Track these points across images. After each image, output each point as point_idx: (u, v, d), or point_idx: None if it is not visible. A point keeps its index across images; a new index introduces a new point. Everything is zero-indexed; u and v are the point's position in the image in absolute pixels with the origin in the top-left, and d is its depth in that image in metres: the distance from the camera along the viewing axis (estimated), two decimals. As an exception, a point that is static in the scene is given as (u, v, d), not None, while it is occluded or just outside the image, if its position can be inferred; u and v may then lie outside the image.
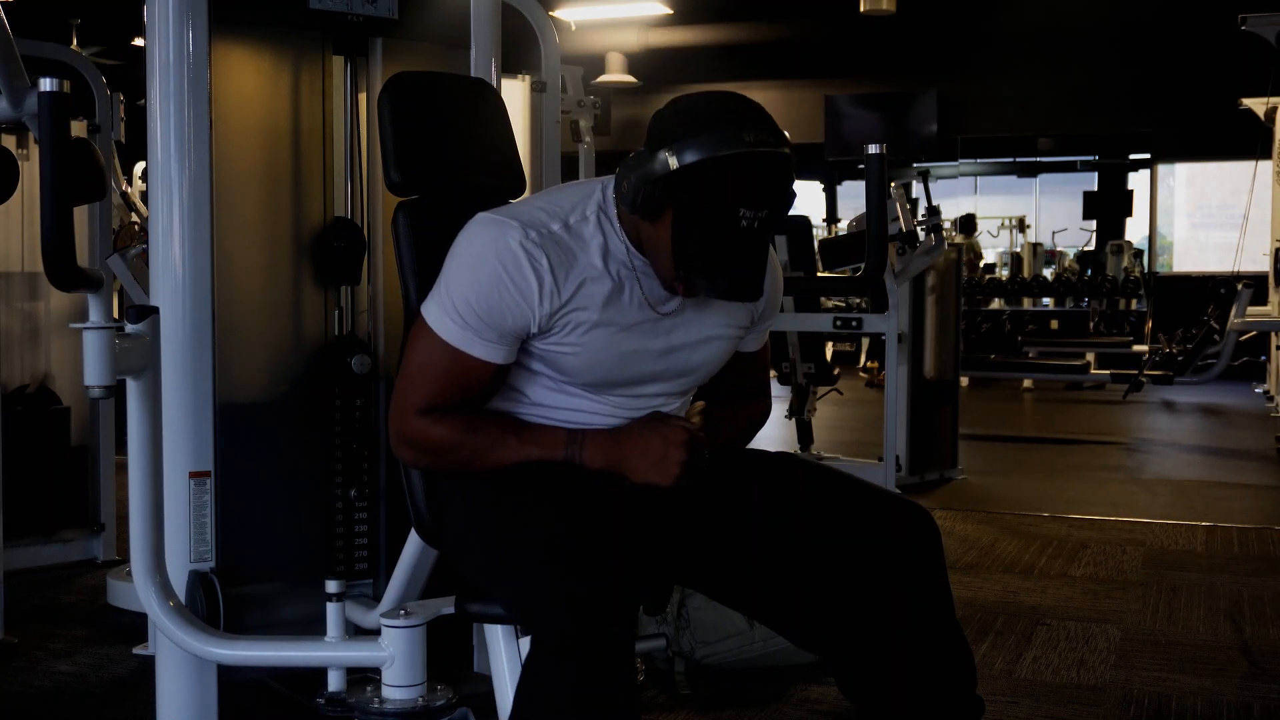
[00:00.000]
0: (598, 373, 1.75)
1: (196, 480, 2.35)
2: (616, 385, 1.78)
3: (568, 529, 1.59)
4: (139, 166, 7.62)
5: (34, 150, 3.98)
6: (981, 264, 12.12)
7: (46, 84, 1.69)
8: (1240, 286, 7.56)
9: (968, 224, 12.10)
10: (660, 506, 1.78)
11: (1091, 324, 11.06)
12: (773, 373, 6.51)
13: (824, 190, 14.69)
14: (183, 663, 2.28)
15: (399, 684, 2.02)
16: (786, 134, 1.65)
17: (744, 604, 1.92)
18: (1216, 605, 3.65)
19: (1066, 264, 12.61)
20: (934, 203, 6.04)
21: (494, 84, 2.58)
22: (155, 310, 1.97)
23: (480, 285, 1.68)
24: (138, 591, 2.00)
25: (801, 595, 1.77)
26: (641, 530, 1.73)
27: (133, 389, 1.95)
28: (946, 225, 11.64)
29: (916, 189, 11.82)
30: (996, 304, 11.33)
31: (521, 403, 1.81)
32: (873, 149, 4.21)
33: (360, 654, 2.09)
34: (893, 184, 5.02)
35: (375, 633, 2.09)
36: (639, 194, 1.61)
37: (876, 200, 4.27)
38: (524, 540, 1.63)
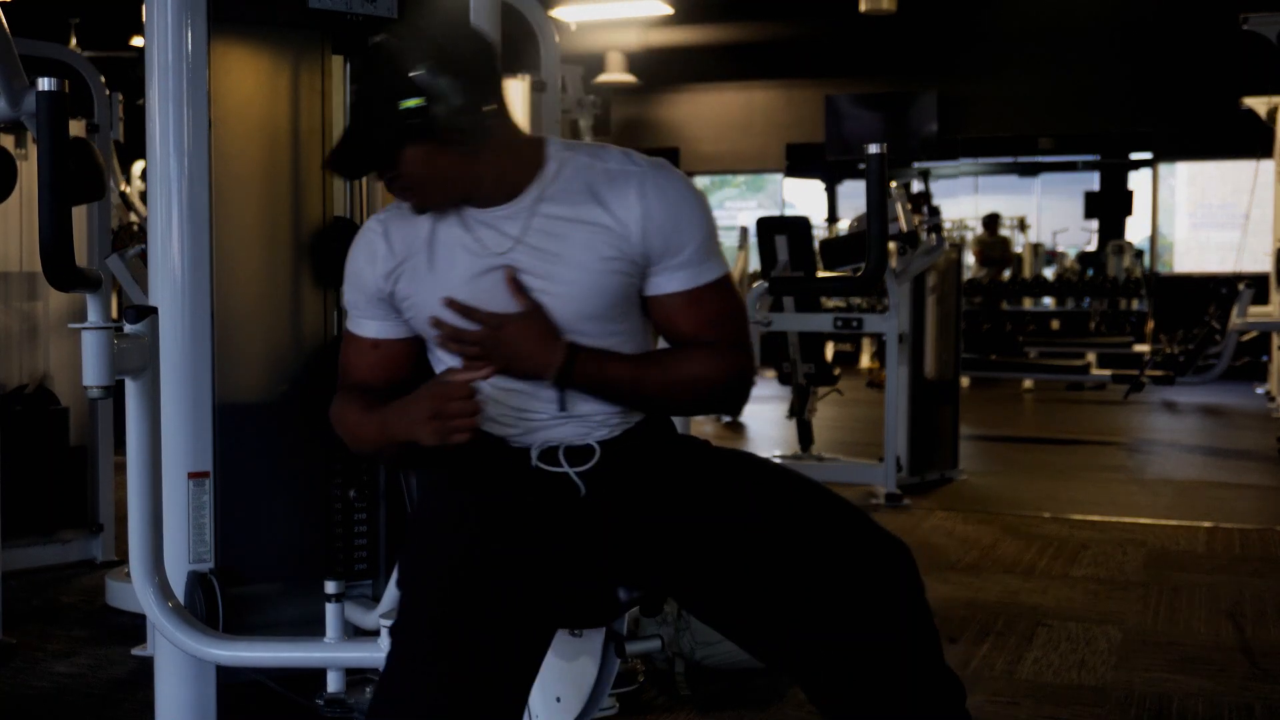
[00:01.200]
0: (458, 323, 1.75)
1: (195, 481, 2.35)
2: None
3: (447, 625, 1.54)
4: (138, 166, 7.63)
5: (32, 150, 3.98)
6: (1007, 271, 12.03)
7: (45, 83, 1.68)
8: (1241, 286, 7.56)
9: (991, 222, 12.13)
10: (616, 516, 1.72)
11: (1092, 324, 11.05)
12: (773, 373, 6.55)
13: (824, 190, 14.70)
14: (182, 663, 2.28)
15: (398, 685, 2.00)
16: (434, 64, 1.61)
17: (714, 622, 1.79)
18: (1218, 606, 3.65)
19: (1067, 264, 12.61)
20: (934, 203, 6.04)
21: (494, 83, 2.57)
22: (154, 310, 1.97)
23: (348, 266, 1.81)
24: (136, 592, 1.99)
25: (772, 626, 1.66)
26: (593, 545, 1.70)
27: (131, 389, 1.94)
28: (948, 225, 11.68)
29: (917, 186, 11.83)
30: (1002, 305, 11.33)
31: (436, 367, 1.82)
32: (873, 149, 4.20)
33: (360, 654, 2.09)
34: (893, 183, 5.01)
35: (375, 633, 2.08)
36: None
37: (876, 200, 4.27)
38: (409, 614, 1.60)
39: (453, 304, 1.70)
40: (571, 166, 1.72)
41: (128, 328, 1.91)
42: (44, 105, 1.69)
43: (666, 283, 1.74)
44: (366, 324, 1.80)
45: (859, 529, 1.66)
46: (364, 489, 2.71)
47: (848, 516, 1.68)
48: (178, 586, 2.29)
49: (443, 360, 1.78)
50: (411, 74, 1.61)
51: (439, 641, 1.53)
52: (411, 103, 1.61)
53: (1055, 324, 11.40)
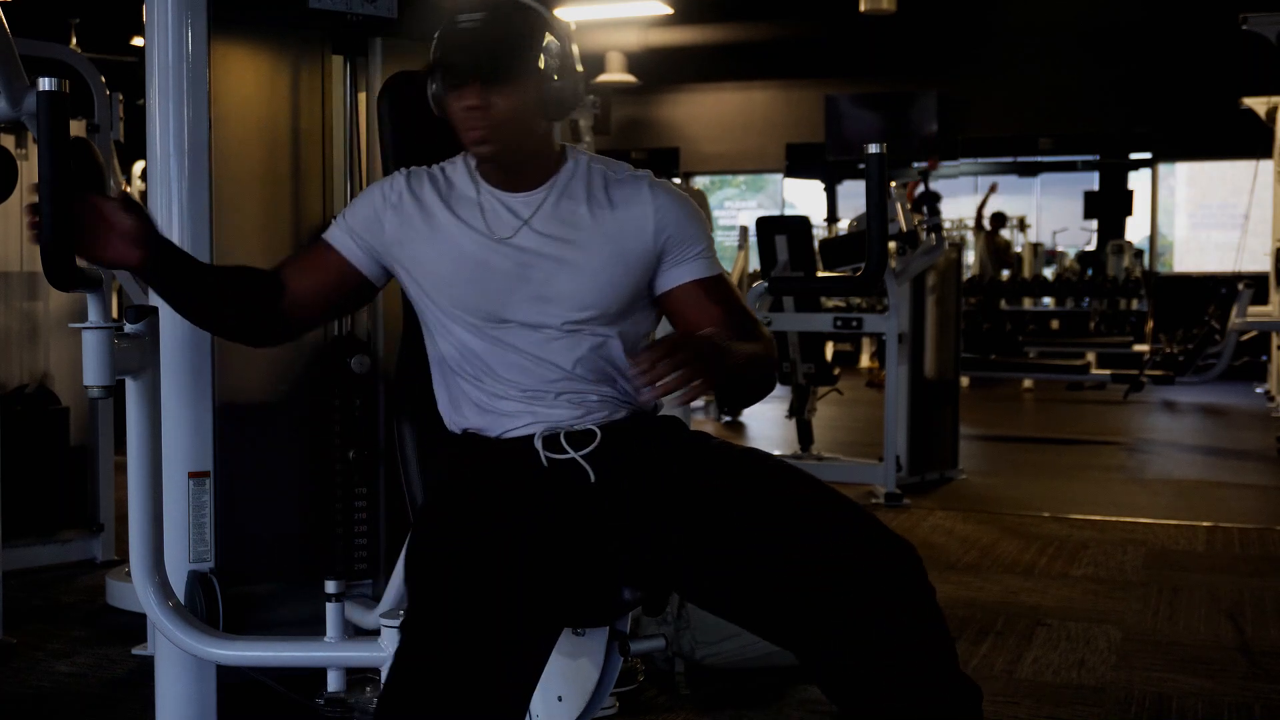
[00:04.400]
0: (457, 288, 1.78)
1: (196, 480, 2.35)
2: (481, 310, 1.77)
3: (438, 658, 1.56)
4: (139, 166, 7.62)
5: (33, 150, 3.98)
6: (1006, 271, 11.99)
7: (45, 83, 1.68)
8: (1241, 286, 7.56)
9: (997, 219, 12.13)
10: (626, 504, 1.72)
11: (1092, 324, 11.05)
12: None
13: (824, 190, 14.70)
14: (182, 663, 2.28)
15: (399, 685, 2.00)
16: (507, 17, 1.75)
17: (723, 612, 1.77)
18: (1217, 606, 3.65)
19: (1067, 264, 12.61)
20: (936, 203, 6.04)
21: (494, 83, 2.57)
22: (154, 310, 1.97)
23: (363, 193, 1.91)
24: (137, 592, 2.00)
25: (781, 612, 1.65)
26: (605, 534, 1.70)
27: (132, 389, 1.94)
28: (947, 225, 11.67)
29: (922, 188, 11.82)
30: (1001, 304, 11.32)
31: (437, 345, 1.86)
32: (873, 149, 4.19)
33: (360, 654, 2.09)
34: (893, 183, 5.02)
35: (375, 633, 2.09)
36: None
37: (876, 200, 4.26)
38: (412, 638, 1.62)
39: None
40: (586, 168, 1.84)
41: (128, 328, 1.91)
42: (44, 105, 1.69)
43: (683, 273, 1.83)
44: (338, 235, 1.86)
45: (865, 528, 1.64)
46: (364, 489, 2.72)
47: (853, 515, 1.66)
48: (178, 586, 2.29)
49: (443, 328, 1.81)
50: (551, 24, 1.77)
51: (448, 641, 1.55)
52: (548, 39, 1.76)
53: (1055, 324, 11.39)
